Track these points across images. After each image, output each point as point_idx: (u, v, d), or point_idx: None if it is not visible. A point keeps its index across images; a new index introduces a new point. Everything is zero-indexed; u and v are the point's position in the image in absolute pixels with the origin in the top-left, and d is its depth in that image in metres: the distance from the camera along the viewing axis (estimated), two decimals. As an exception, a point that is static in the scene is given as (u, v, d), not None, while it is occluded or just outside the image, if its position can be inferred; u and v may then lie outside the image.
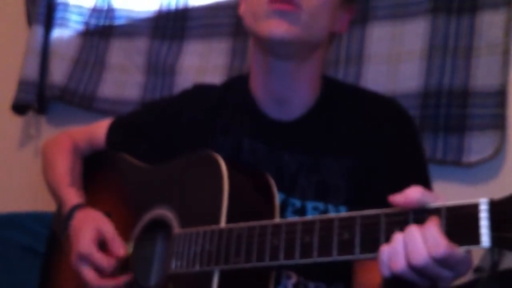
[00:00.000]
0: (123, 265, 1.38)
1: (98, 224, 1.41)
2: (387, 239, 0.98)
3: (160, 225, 1.37)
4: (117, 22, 2.51)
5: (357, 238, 1.01)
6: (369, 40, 2.00)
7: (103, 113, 2.39)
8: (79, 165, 1.63)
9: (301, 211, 1.34)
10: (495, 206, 0.90)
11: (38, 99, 2.53)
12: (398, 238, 0.97)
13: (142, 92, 2.39)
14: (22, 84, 2.52)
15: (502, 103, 1.79)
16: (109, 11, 2.53)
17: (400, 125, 1.38)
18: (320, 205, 1.34)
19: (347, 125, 1.37)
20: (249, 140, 1.41)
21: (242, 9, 1.40)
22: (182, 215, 1.31)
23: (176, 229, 1.30)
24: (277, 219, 1.23)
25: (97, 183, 1.61)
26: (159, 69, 2.38)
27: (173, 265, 1.26)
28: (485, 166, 1.81)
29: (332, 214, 1.06)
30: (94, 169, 1.64)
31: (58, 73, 2.52)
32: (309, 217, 1.11)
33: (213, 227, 1.20)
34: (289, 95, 1.38)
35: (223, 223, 1.20)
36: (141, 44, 2.43)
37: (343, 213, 1.05)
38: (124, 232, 1.42)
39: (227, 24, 2.27)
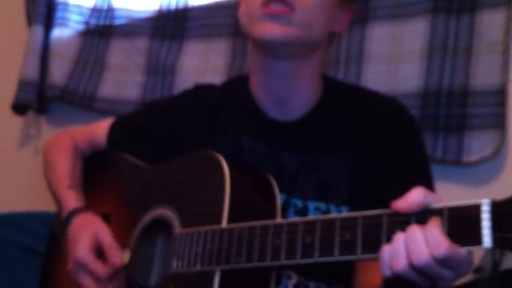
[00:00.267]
0: (123, 266, 1.38)
1: (96, 230, 1.42)
2: (389, 240, 0.98)
3: (161, 225, 1.37)
4: (117, 22, 2.51)
5: (358, 239, 1.01)
6: (369, 40, 2.00)
7: (103, 113, 2.39)
8: (79, 165, 1.63)
9: (303, 212, 1.34)
10: (496, 207, 0.90)
11: (38, 99, 2.53)
12: (399, 238, 0.97)
13: (142, 92, 2.39)
14: (22, 84, 2.52)
15: (502, 102, 1.79)
16: (109, 11, 2.53)
17: (401, 125, 1.38)
18: (322, 205, 1.34)
19: (348, 125, 1.37)
20: (249, 140, 1.41)
21: (240, 11, 1.41)
22: (183, 215, 1.31)
23: (177, 228, 1.30)
24: (279, 219, 1.23)
25: (98, 183, 1.61)
26: (159, 69, 2.38)
27: (174, 265, 1.26)
28: (485, 165, 1.81)
29: (333, 214, 1.07)
30: (94, 169, 1.64)
31: (58, 73, 2.52)
32: (310, 217, 1.10)
33: (214, 227, 1.20)
34: (289, 95, 1.38)
35: (224, 223, 1.20)
36: (141, 44, 2.43)
37: (345, 213, 1.06)
38: (125, 232, 1.42)
39: (227, 24, 2.27)
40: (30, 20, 2.62)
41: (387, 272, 0.98)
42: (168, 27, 2.39)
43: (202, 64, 2.30)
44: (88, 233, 1.41)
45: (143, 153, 1.55)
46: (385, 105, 1.40)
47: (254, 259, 1.12)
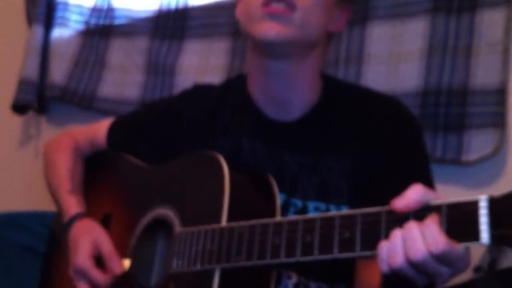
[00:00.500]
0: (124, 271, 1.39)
1: (96, 238, 1.42)
2: (388, 237, 0.99)
3: (161, 225, 1.37)
4: (117, 21, 2.51)
5: (357, 236, 1.01)
6: (369, 40, 2.00)
7: (103, 113, 2.39)
8: (80, 166, 1.63)
9: (303, 212, 1.34)
10: (494, 203, 0.91)
11: (38, 99, 2.53)
12: (397, 234, 0.97)
13: (142, 92, 2.39)
14: (22, 84, 2.52)
15: (502, 101, 1.79)
16: (109, 11, 2.53)
17: (401, 124, 1.37)
18: (322, 206, 1.34)
19: (348, 125, 1.37)
20: (248, 141, 1.41)
21: (238, 10, 1.40)
22: (183, 215, 1.31)
23: (177, 228, 1.30)
24: (278, 218, 1.23)
25: (99, 183, 1.61)
26: (159, 69, 2.38)
27: (174, 264, 1.26)
28: (485, 164, 1.81)
29: (333, 212, 1.07)
30: (95, 169, 1.64)
31: (58, 73, 2.52)
32: (310, 215, 1.11)
33: (215, 226, 1.21)
34: (288, 96, 1.38)
35: (224, 223, 1.20)
36: (141, 43, 2.43)
37: (344, 211, 1.06)
38: (125, 232, 1.43)
39: (227, 24, 2.27)
40: (30, 20, 2.62)
41: (384, 268, 0.98)
42: (168, 27, 2.39)
43: (202, 64, 2.30)
44: (88, 240, 1.42)
45: (142, 154, 1.55)
46: (385, 104, 1.40)
47: (254, 258, 1.12)
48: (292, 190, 1.35)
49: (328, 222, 1.05)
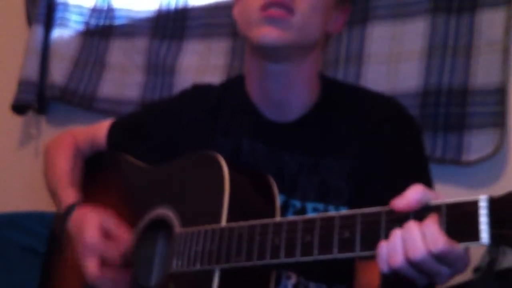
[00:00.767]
0: (125, 264, 1.38)
1: (101, 215, 1.41)
2: (387, 237, 0.99)
3: (161, 225, 1.37)
4: (117, 22, 2.51)
5: (357, 236, 1.01)
6: (369, 40, 2.00)
7: (103, 113, 2.39)
8: (80, 166, 1.62)
9: (301, 213, 1.34)
10: (494, 203, 0.91)
11: (38, 99, 2.53)
12: (396, 234, 0.97)
13: (142, 92, 2.39)
14: (22, 84, 2.52)
15: (502, 101, 1.79)
16: (109, 11, 2.53)
17: (401, 124, 1.37)
18: (320, 206, 1.33)
19: (347, 125, 1.37)
20: (248, 141, 1.41)
21: (236, 11, 1.40)
22: (183, 215, 1.31)
23: (177, 228, 1.30)
24: (278, 218, 1.23)
25: (98, 183, 1.61)
26: (159, 69, 2.38)
27: (174, 264, 1.26)
28: (485, 164, 1.81)
29: (332, 212, 1.07)
30: (95, 170, 1.64)
31: (58, 73, 2.52)
32: (309, 215, 1.11)
33: (214, 226, 1.21)
34: (286, 97, 1.38)
35: (223, 223, 1.20)
36: (141, 43, 2.43)
37: (344, 211, 1.06)
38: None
39: (227, 24, 2.27)
40: (30, 20, 2.62)
41: (384, 268, 0.98)
42: (168, 27, 2.40)
43: (201, 64, 2.30)
44: (94, 218, 1.40)
45: (142, 154, 1.55)
46: (384, 105, 1.40)
47: (254, 258, 1.12)
48: (292, 191, 1.35)
49: (328, 222, 1.05)
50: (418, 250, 0.95)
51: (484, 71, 1.81)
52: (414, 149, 1.38)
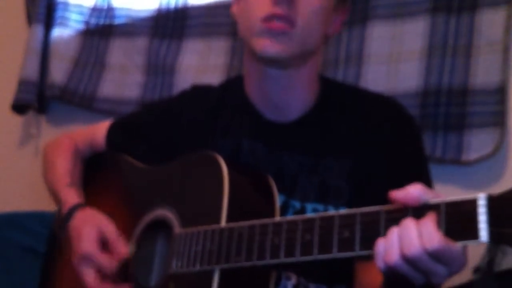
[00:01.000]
0: (124, 266, 1.38)
1: (100, 223, 1.41)
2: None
3: (161, 226, 1.37)
4: (117, 21, 2.51)
5: (357, 236, 1.01)
6: (369, 40, 2.00)
7: (103, 112, 2.39)
8: (79, 166, 1.62)
9: (301, 213, 1.34)
10: (493, 201, 0.91)
11: (38, 99, 2.53)
12: (393, 231, 0.97)
13: (142, 91, 2.39)
14: (22, 84, 2.52)
15: (502, 100, 1.79)
16: (109, 10, 2.53)
17: (400, 125, 1.37)
18: (320, 207, 1.33)
19: (347, 125, 1.37)
20: (248, 141, 1.41)
21: (235, 10, 1.40)
22: (182, 215, 1.31)
23: (177, 229, 1.30)
24: (278, 218, 1.23)
25: (98, 184, 1.61)
26: (159, 69, 2.38)
27: (173, 265, 1.26)
28: (485, 164, 1.81)
29: (332, 212, 1.07)
30: (95, 171, 1.63)
31: (58, 72, 2.52)
32: (309, 215, 1.11)
33: (214, 226, 1.21)
34: (285, 100, 1.38)
35: (223, 223, 1.20)
36: (141, 43, 2.43)
37: (343, 211, 1.06)
38: (125, 233, 1.42)
39: (227, 23, 2.27)
40: (30, 19, 2.62)
41: (381, 264, 0.98)
42: (168, 26, 2.39)
43: (201, 63, 2.30)
44: (92, 227, 1.40)
45: (142, 154, 1.55)
46: (384, 105, 1.40)
47: (254, 258, 1.12)
48: (291, 191, 1.35)
49: (327, 222, 1.05)
50: (414, 248, 0.95)
51: (484, 71, 1.81)
52: (414, 149, 1.38)
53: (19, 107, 2.55)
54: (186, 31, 2.36)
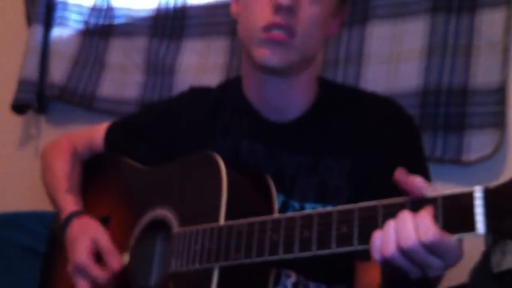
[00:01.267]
0: (122, 272, 1.39)
1: (94, 235, 1.42)
2: None
3: (160, 226, 1.37)
4: (117, 21, 2.51)
5: (355, 231, 1.02)
6: (368, 39, 2.00)
7: (102, 112, 2.39)
8: (78, 169, 1.63)
9: None
10: (490, 194, 0.92)
11: (38, 99, 2.53)
12: (390, 223, 0.98)
13: (141, 91, 2.39)
14: (22, 84, 2.52)
15: (502, 100, 1.79)
16: (109, 10, 2.53)
17: (400, 125, 1.38)
18: (319, 207, 1.33)
19: (346, 125, 1.37)
20: (248, 142, 1.41)
21: (235, 9, 1.41)
22: (181, 215, 1.31)
23: (176, 228, 1.30)
24: (276, 215, 1.23)
25: (97, 185, 1.61)
26: (158, 68, 2.38)
27: (173, 264, 1.27)
28: (484, 164, 1.81)
29: (330, 208, 1.07)
30: (94, 172, 1.63)
31: (58, 72, 2.52)
32: (307, 211, 1.11)
33: (213, 224, 1.21)
34: (284, 103, 1.38)
35: (222, 223, 1.20)
36: (140, 43, 2.43)
37: (341, 206, 1.06)
38: (124, 233, 1.43)
39: (226, 23, 2.27)
40: (30, 19, 2.62)
41: (377, 257, 0.99)
42: (167, 26, 2.39)
43: (201, 63, 2.30)
44: (87, 237, 1.42)
45: (141, 155, 1.55)
46: (383, 105, 1.40)
47: (253, 255, 1.12)
48: (291, 191, 1.35)
49: (325, 218, 1.05)
50: (410, 240, 0.95)
51: (484, 71, 1.81)
52: (413, 149, 1.38)
53: (19, 107, 2.55)
54: (186, 30, 2.36)
